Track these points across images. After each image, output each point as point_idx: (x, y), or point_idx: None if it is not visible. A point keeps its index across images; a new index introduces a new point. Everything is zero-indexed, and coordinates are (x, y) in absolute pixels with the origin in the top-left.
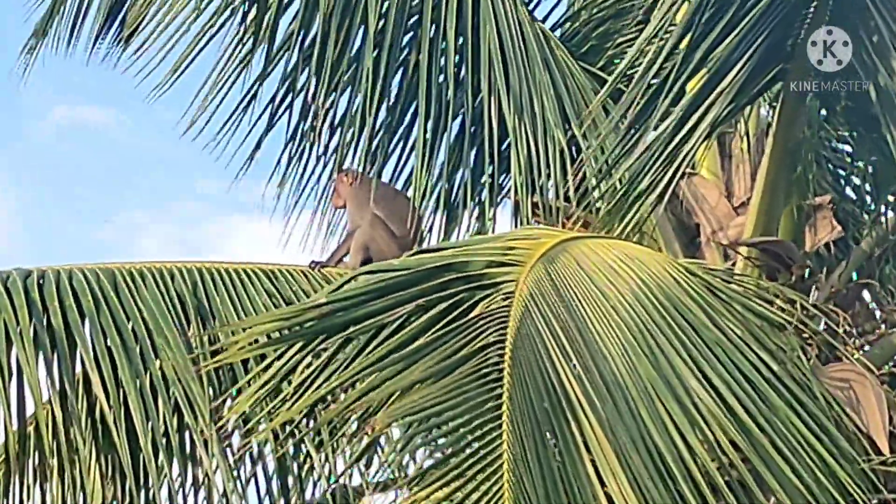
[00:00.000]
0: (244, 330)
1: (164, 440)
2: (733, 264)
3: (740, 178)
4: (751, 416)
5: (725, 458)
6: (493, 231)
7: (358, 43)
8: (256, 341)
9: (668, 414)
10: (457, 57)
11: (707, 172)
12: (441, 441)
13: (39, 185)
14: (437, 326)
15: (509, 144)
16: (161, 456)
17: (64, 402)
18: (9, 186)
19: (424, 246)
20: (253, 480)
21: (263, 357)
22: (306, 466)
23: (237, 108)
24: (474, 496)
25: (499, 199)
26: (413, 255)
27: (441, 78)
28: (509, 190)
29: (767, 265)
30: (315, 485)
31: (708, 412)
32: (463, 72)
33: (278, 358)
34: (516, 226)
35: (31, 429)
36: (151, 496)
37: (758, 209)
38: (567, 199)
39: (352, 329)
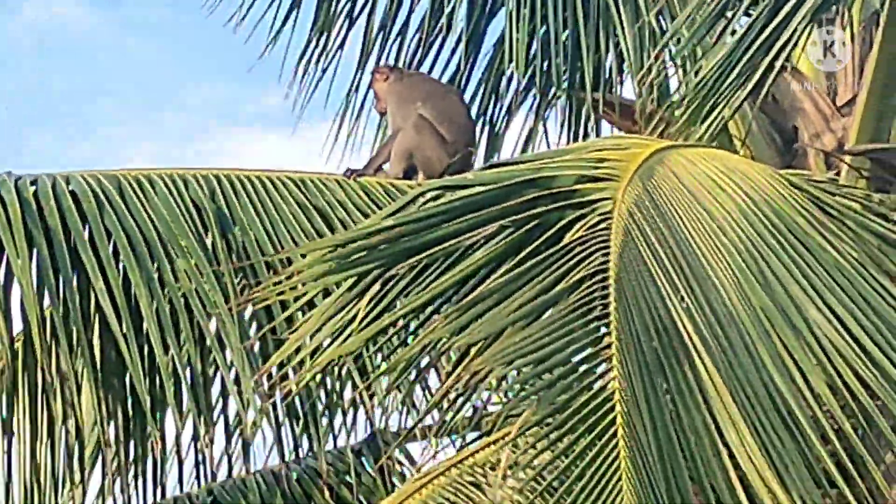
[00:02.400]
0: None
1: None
2: (837, 174)
3: (845, 72)
4: (881, 351)
5: (853, 400)
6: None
7: None
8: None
9: (787, 351)
10: None
11: (806, 67)
12: (546, 391)
13: (4, 94)
14: (527, 252)
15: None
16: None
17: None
18: None
19: (474, 152)
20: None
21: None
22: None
23: None
24: (588, 454)
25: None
26: (486, 168)
27: None
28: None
29: (877, 176)
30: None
31: (832, 347)
32: None
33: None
34: (572, 127)
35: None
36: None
37: (866, 109)
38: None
39: (425, 254)
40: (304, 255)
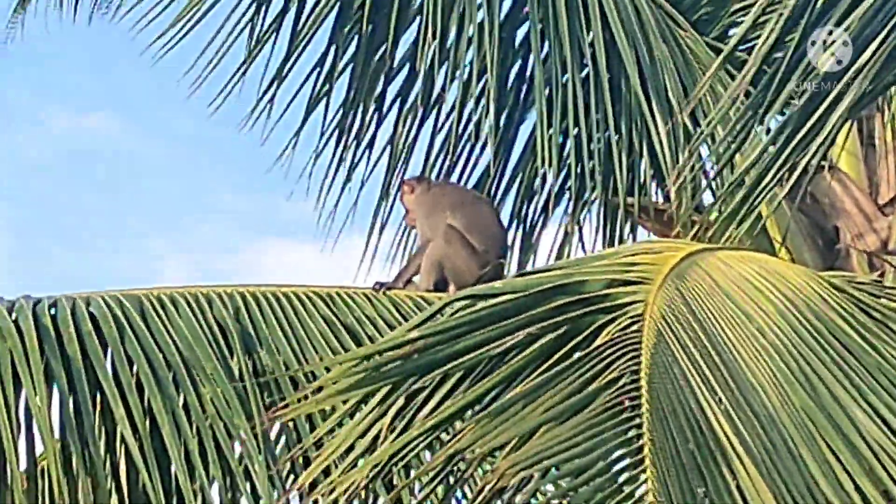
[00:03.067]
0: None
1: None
2: (881, 275)
3: (887, 170)
4: None
5: None
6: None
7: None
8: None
9: (833, 454)
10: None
11: (846, 165)
12: (575, 494)
13: (33, 207)
14: (557, 357)
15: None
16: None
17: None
18: None
19: (505, 262)
20: None
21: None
22: None
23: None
24: None
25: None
26: (515, 277)
27: None
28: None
29: None
30: None
31: (881, 449)
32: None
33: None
34: (608, 231)
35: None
36: None
37: None
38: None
39: (451, 365)
40: (328, 370)
